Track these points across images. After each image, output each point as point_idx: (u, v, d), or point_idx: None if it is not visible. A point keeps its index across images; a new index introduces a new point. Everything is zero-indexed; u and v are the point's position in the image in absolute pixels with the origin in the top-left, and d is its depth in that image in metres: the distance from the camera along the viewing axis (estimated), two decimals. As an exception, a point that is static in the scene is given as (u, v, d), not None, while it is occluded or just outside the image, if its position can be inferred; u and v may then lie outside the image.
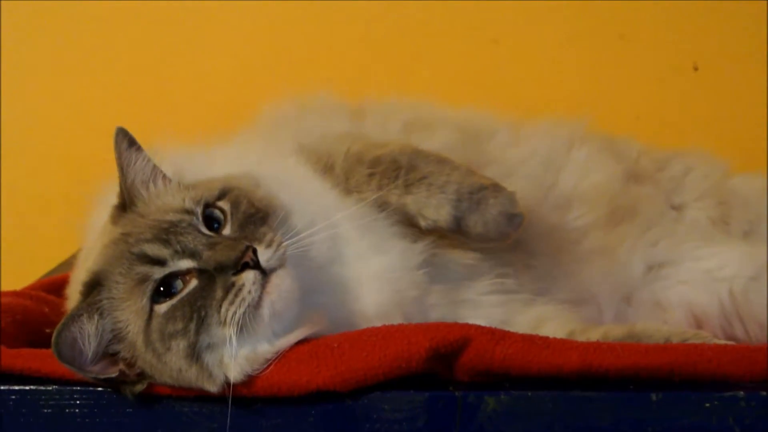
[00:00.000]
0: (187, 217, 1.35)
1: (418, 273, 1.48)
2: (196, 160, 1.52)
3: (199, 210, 1.36)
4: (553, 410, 1.26)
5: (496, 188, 1.50)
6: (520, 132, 1.81)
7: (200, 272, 1.31)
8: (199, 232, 1.34)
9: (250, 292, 1.29)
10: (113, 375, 1.30)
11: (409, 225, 1.50)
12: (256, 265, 1.30)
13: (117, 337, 1.31)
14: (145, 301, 1.30)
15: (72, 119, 2.37)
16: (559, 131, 1.83)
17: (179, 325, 1.29)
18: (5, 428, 1.29)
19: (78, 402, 1.29)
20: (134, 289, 1.31)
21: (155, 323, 1.30)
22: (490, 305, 1.53)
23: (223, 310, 1.28)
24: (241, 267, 1.29)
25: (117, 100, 2.39)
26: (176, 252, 1.31)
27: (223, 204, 1.38)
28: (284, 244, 1.34)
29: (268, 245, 1.32)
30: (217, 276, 1.30)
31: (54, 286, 1.63)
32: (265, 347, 1.30)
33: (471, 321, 1.39)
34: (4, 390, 1.29)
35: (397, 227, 1.50)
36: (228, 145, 1.63)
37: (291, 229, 1.37)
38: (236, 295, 1.28)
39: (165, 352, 1.29)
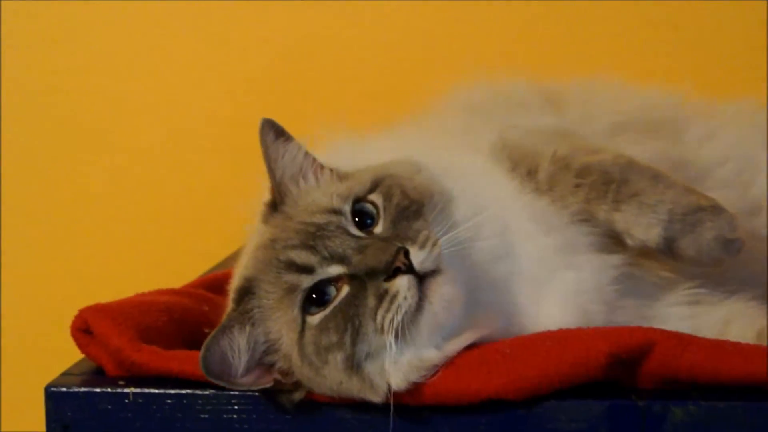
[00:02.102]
0: (335, 219, 1.28)
1: (609, 289, 1.36)
2: (359, 149, 1.45)
3: (347, 208, 1.29)
4: (746, 423, 1.16)
5: (714, 210, 1.36)
6: (711, 123, 1.66)
7: (351, 278, 1.23)
8: (348, 233, 1.26)
9: (405, 298, 1.20)
10: (267, 385, 1.23)
11: (606, 235, 1.39)
12: (409, 269, 1.21)
13: (271, 348, 1.25)
14: (296, 312, 1.24)
15: (233, 113, 2.31)
16: (757, 119, 1.69)
17: (334, 338, 1.21)
18: (160, 433, 1.25)
19: (236, 407, 1.23)
20: (284, 298, 1.25)
21: (308, 336, 1.23)
22: (679, 318, 1.41)
23: (378, 318, 1.20)
24: (392, 272, 1.21)
25: (267, 89, 2.31)
26: (324, 258, 1.24)
27: (375, 197, 1.30)
28: (440, 242, 1.24)
29: (422, 246, 1.23)
30: (368, 282, 1.22)
31: (215, 283, 1.57)
32: (431, 353, 1.22)
33: None
34: (159, 393, 1.24)
35: (592, 236, 1.38)
36: (399, 131, 1.55)
37: (449, 220, 1.28)
38: (391, 302, 1.20)
39: (322, 366, 1.22)
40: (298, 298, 1.24)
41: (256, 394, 1.23)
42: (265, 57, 2.27)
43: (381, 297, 1.21)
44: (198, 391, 1.23)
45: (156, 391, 1.24)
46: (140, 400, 1.24)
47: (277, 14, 2.26)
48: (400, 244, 1.22)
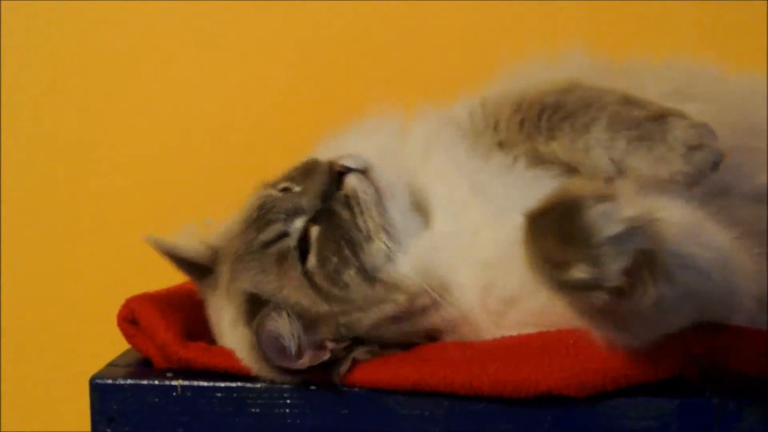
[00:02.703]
0: (269, 197, 1.32)
1: None
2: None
3: (274, 191, 1.33)
4: (827, 424, 1.09)
5: (667, 120, 1.16)
6: None
7: (315, 219, 1.26)
8: (283, 196, 1.31)
9: (365, 192, 1.26)
10: (326, 357, 1.19)
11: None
12: (348, 170, 1.27)
13: (306, 326, 1.20)
14: (298, 269, 1.24)
15: (234, 112, 2.25)
16: None
17: (335, 259, 1.23)
18: (208, 427, 1.20)
19: (288, 402, 1.18)
20: (280, 271, 1.25)
21: (317, 276, 1.23)
22: None
23: (360, 224, 1.25)
24: (338, 177, 1.27)
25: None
26: (285, 220, 1.27)
27: (282, 184, 1.35)
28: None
29: (343, 157, 1.29)
30: (331, 205, 1.26)
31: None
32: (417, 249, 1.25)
33: None
34: (209, 387, 1.20)
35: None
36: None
37: None
38: (359, 204, 1.25)
39: (345, 292, 1.22)
40: (294, 256, 1.25)
41: (312, 389, 1.19)
42: (266, 57, 2.22)
43: (348, 204, 1.25)
44: (249, 385, 1.19)
45: (205, 384, 1.20)
46: (188, 394, 1.20)
47: (279, 14, 2.21)
48: (326, 162, 1.29)
